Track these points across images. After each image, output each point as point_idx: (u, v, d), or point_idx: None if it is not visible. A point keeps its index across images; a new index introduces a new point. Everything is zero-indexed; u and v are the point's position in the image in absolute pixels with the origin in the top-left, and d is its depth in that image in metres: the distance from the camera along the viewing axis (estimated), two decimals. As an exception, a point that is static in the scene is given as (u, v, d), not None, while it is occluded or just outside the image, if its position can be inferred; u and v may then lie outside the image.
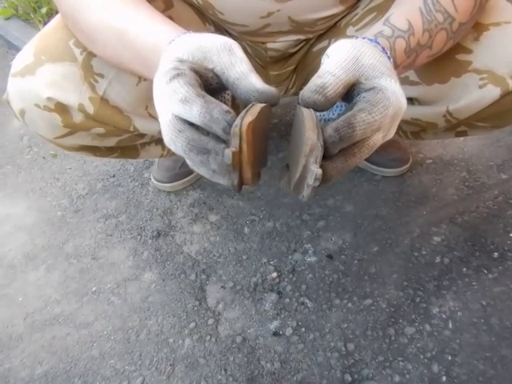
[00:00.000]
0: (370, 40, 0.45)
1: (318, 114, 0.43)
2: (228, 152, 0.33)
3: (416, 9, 0.50)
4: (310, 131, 0.34)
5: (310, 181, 0.34)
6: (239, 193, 0.35)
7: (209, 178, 0.38)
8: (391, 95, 0.39)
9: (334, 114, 0.44)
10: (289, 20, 0.66)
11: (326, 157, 0.36)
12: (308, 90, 0.38)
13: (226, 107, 0.35)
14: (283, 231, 0.97)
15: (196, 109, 0.35)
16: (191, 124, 0.37)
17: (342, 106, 0.44)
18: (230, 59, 0.40)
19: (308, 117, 0.36)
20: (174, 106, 0.37)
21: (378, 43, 0.45)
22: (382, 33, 0.47)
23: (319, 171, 0.33)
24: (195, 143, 0.36)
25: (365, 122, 0.36)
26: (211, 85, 0.41)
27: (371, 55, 0.41)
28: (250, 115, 0.34)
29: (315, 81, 0.38)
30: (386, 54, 0.44)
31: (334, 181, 0.38)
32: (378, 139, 0.39)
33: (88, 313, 0.88)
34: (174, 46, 0.43)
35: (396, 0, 0.54)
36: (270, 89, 0.38)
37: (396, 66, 0.47)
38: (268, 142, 0.39)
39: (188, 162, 0.38)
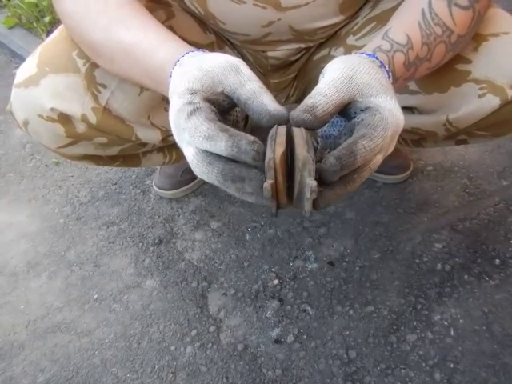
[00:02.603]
0: (369, 55, 0.45)
1: (318, 130, 0.44)
2: (267, 186, 0.34)
3: (415, 22, 0.50)
4: (300, 147, 0.35)
5: (308, 194, 0.34)
6: (276, 216, 0.37)
7: (238, 196, 0.39)
8: (388, 114, 0.39)
9: (334, 130, 0.45)
10: (289, 29, 0.67)
11: (326, 183, 0.37)
12: (298, 110, 0.39)
13: (251, 137, 0.36)
14: (284, 238, 0.97)
15: (222, 144, 0.36)
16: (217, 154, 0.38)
17: (341, 122, 0.44)
18: (239, 79, 0.41)
19: (298, 134, 0.37)
20: (198, 142, 0.38)
21: (377, 58, 0.45)
22: (381, 47, 0.47)
23: (314, 183, 0.34)
24: (227, 172, 0.37)
25: (366, 149, 0.37)
26: (224, 107, 0.42)
27: (366, 73, 0.41)
28: (280, 146, 0.35)
29: (306, 101, 0.39)
30: (385, 68, 0.45)
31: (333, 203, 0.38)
32: (378, 160, 0.39)
33: (90, 320, 0.88)
34: (180, 72, 0.43)
35: (395, 13, 0.55)
36: (281, 111, 0.39)
37: (396, 79, 0.47)
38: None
39: (216, 184, 0.39)
